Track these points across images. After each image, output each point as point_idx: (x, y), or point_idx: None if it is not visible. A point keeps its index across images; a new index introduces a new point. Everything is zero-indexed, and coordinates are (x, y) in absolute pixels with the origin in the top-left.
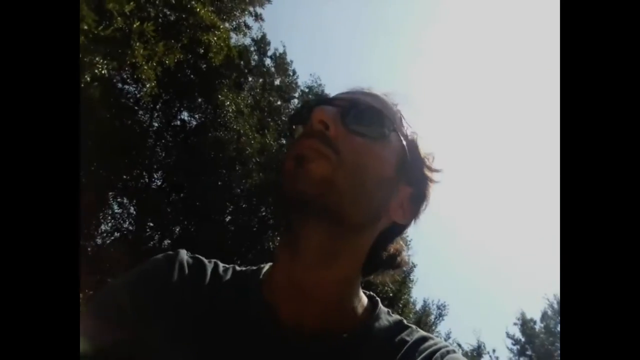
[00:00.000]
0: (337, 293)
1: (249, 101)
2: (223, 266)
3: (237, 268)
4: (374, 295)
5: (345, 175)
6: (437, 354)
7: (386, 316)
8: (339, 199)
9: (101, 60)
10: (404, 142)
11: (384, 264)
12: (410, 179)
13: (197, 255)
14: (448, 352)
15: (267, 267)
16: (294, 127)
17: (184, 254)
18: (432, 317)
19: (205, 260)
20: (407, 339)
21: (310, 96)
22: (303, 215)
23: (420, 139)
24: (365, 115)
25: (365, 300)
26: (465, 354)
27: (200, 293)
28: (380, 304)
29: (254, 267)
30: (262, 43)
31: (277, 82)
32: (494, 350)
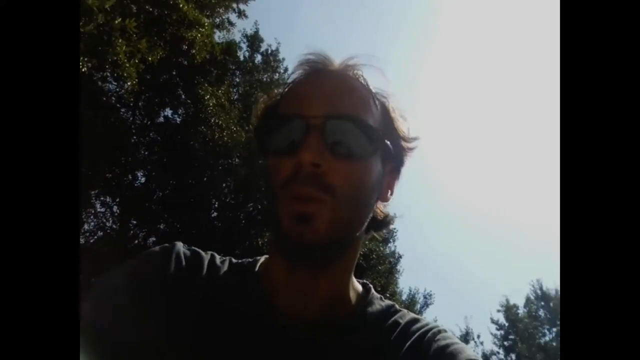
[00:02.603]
0: (335, 286)
1: (234, 97)
2: (220, 258)
3: (234, 260)
4: (367, 282)
5: (346, 209)
6: (430, 333)
7: (379, 301)
8: (345, 230)
9: (82, 58)
10: (384, 128)
11: (373, 227)
12: (391, 157)
13: (193, 248)
14: (440, 331)
15: (262, 259)
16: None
17: (180, 246)
18: (419, 305)
19: (202, 252)
20: (400, 321)
21: None
22: (311, 257)
23: (391, 103)
24: (348, 135)
25: (358, 286)
26: None
27: (197, 284)
28: (372, 290)
29: (250, 259)
30: (255, 39)
31: (264, 78)
32: (478, 336)
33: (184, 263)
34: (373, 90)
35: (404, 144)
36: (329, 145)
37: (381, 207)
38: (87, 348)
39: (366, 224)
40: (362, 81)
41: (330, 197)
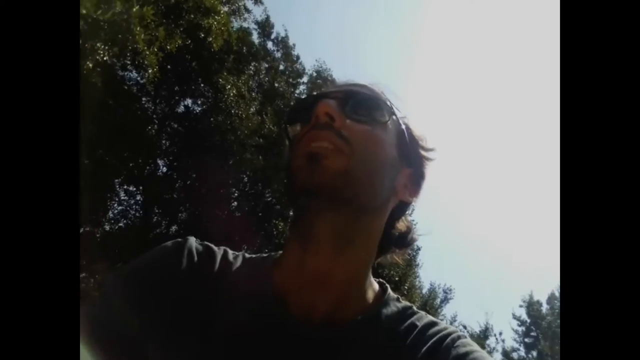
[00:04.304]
0: (349, 279)
1: (252, 85)
2: (233, 253)
3: (247, 255)
4: (384, 282)
5: (359, 164)
6: (448, 339)
7: (395, 302)
8: (356, 187)
9: (102, 46)
10: (401, 126)
11: (395, 242)
12: (409, 161)
13: (206, 242)
14: (459, 337)
15: (276, 255)
16: (289, 127)
17: (192, 241)
18: (438, 300)
19: (215, 247)
20: (417, 324)
21: (319, 80)
22: (320, 206)
23: (411, 122)
24: (364, 103)
25: (375, 286)
26: (471, 336)
27: (209, 280)
28: (389, 290)
29: (264, 255)
30: (265, 25)
31: (281, 67)
32: (500, 333)
33: (195, 259)
34: (393, 103)
35: (422, 152)
36: (345, 109)
37: (404, 221)
38: (95, 343)
39: (381, 201)
40: (379, 89)
41: (346, 145)
